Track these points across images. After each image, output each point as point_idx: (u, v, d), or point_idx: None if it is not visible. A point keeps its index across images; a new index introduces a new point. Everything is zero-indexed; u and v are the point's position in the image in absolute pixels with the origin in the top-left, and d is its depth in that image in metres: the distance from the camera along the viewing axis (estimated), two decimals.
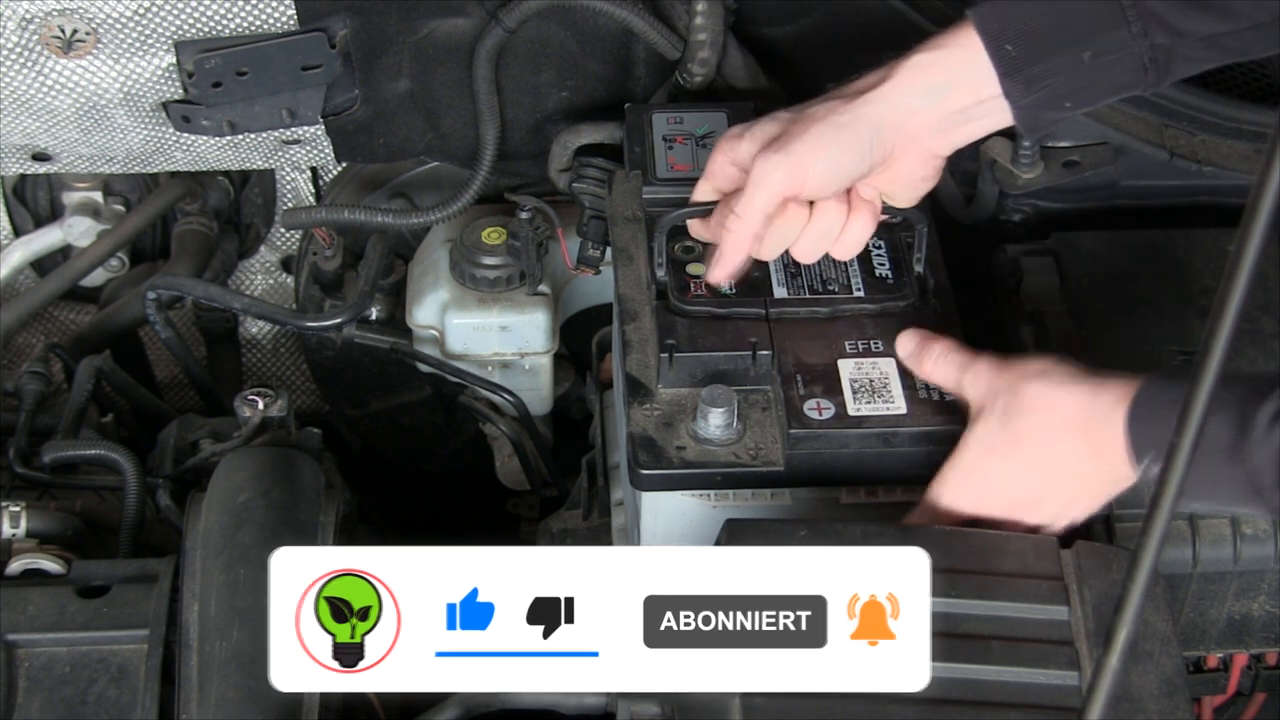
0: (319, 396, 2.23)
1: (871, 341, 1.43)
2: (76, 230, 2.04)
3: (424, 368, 1.94)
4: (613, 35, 1.79)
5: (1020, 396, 1.27)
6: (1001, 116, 1.36)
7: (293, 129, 1.84)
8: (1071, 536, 1.39)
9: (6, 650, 1.35)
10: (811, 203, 1.38)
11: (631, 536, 1.56)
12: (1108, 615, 0.91)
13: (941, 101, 1.35)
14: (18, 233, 2.08)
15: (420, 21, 1.76)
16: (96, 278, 2.08)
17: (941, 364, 1.36)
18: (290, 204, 2.11)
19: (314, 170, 2.07)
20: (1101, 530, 1.46)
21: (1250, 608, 1.51)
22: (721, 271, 1.40)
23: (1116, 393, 1.22)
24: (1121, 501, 1.48)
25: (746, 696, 1.23)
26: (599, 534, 1.80)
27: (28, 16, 1.69)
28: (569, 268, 1.86)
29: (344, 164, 1.99)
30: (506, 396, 1.92)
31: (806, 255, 1.41)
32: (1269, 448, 1.12)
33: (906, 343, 1.40)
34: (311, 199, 2.10)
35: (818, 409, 1.37)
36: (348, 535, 1.62)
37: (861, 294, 1.47)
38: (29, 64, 1.73)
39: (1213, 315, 0.83)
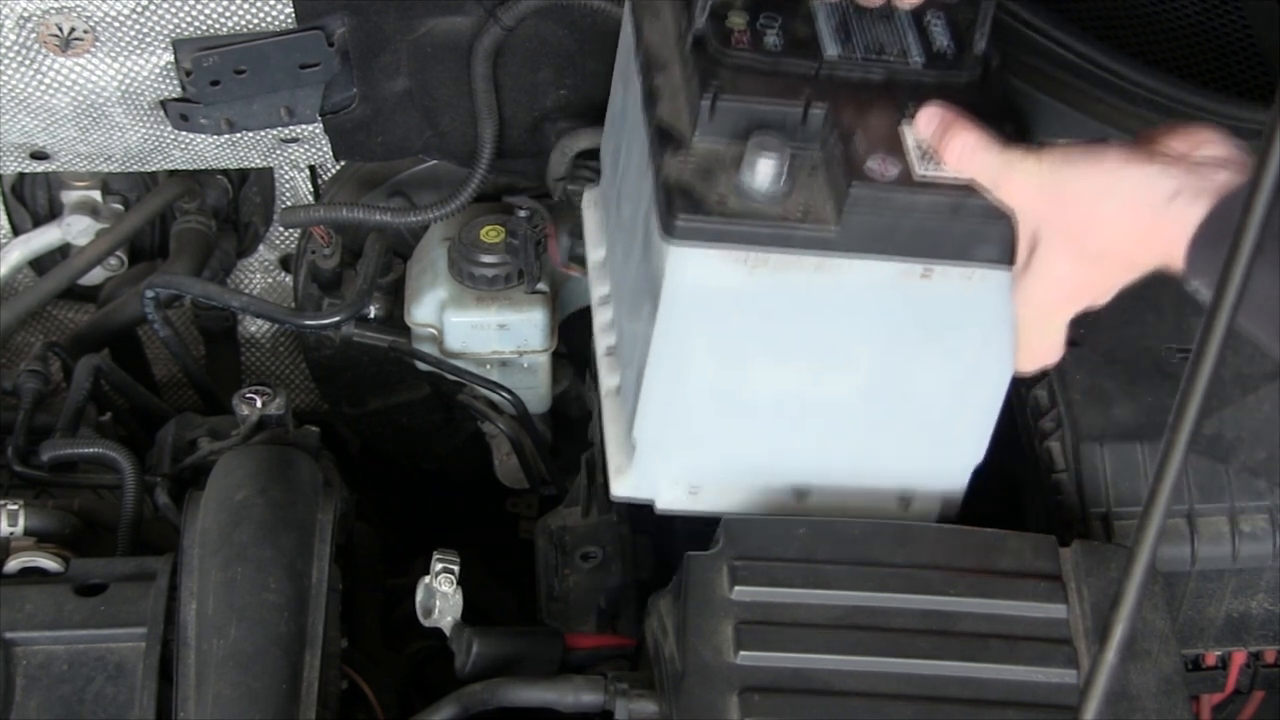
0: (317, 395, 2.23)
1: None
2: (75, 229, 2.04)
3: (422, 366, 1.94)
4: (611, 33, 1.78)
5: (1087, 228, 1.18)
6: None
7: (291, 127, 1.84)
8: (1070, 535, 1.39)
9: (4, 648, 1.34)
10: None
11: (631, 319, 1.41)
12: (1106, 613, 0.91)
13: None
14: (16, 232, 2.08)
15: (418, 20, 1.76)
16: (95, 276, 2.08)
17: (973, 160, 1.23)
18: (289, 202, 2.11)
19: (312, 169, 2.07)
20: (1100, 528, 1.46)
21: (1249, 605, 1.51)
22: None
23: (1182, 223, 1.10)
24: (1120, 499, 1.48)
25: (745, 694, 1.23)
26: (598, 531, 1.80)
27: (25, 14, 1.69)
28: (556, 264, 1.86)
29: (342, 162, 1.99)
30: (505, 395, 1.92)
31: None
32: None
33: (929, 119, 1.26)
34: (310, 197, 2.10)
35: (881, 166, 1.23)
36: (346, 534, 1.62)
37: (921, 63, 1.34)
38: (27, 62, 1.73)
39: (1209, 312, 0.83)
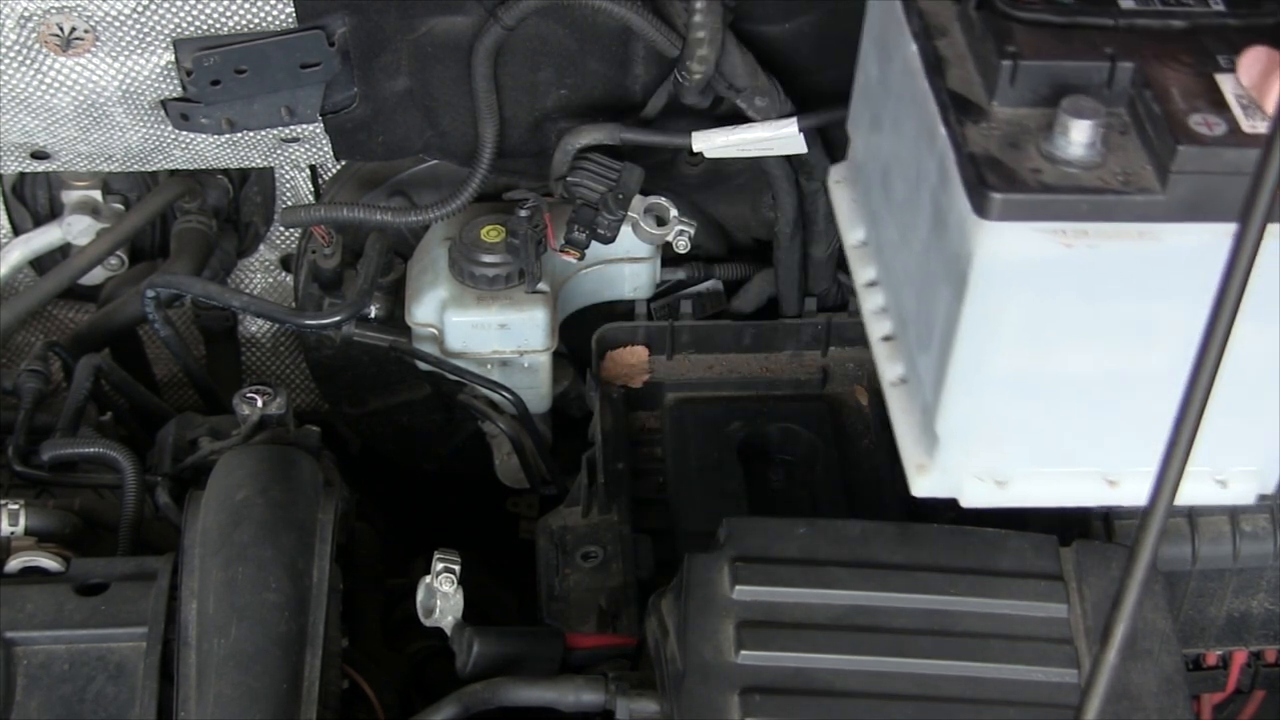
0: (318, 395, 2.23)
1: None
2: (75, 229, 2.04)
3: (423, 366, 1.94)
4: (612, 33, 1.78)
5: None
6: None
7: (291, 127, 1.84)
8: (1071, 535, 1.39)
9: (5, 648, 1.34)
10: None
11: (923, 304, 1.31)
12: (1107, 613, 0.91)
13: None
14: (17, 231, 2.08)
15: (419, 19, 1.76)
16: (95, 276, 2.08)
17: None
18: (289, 202, 2.11)
19: (313, 168, 2.07)
20: (1100, 528, 1.46)
21: (1249, 605, 1.51)
22: None
23: None
24: None
25: (745, 693, 1.23)
26: (598, 531, 1.80)
27: (26, 14, 1.69)
28: (553, 248, 1.85)
29: (343, 162, 1.99)
30: (505, 394, 1.92)
31: None
32: None
33: (1253, 63, 1.15)
34: (310, 197, 2.10)
35: (1206, 124, 1.14)
36: (346, 534, 1.62)
37: (1221, 7, 1.25)
38: (28, 62, 1.73)
39: (1210, 312, 0.83)
